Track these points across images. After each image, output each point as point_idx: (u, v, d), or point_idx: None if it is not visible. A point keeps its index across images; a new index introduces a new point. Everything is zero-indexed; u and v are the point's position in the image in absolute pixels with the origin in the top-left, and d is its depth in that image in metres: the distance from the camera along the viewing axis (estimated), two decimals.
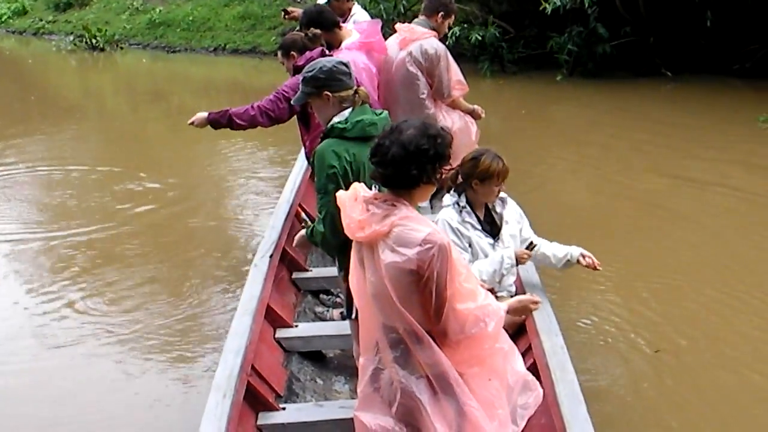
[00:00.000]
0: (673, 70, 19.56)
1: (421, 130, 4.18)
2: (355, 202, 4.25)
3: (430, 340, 4.13)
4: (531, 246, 6.85)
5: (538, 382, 4.73)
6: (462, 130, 8.75)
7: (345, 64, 5.77)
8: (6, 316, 9.12)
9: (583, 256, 6.90)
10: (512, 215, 6.83)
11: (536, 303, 4.85)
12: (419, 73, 8.57)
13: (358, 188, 4.34)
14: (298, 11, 10.41)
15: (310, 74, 5.73)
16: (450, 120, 8.72)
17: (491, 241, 6.60)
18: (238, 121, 8.27)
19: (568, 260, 6.93)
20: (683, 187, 12.32)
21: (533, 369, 6.08)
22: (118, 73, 28.64)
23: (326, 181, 5.55)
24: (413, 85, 8.57)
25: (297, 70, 8.26)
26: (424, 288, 4.05)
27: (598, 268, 6.87)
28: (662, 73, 19.65)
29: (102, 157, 16.53)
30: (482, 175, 6.38)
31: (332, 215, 5.45)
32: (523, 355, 6.38)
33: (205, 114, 8.40)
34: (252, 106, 8.23)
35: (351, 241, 4.80)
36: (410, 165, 4.13)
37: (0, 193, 13.84)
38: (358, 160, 5.55)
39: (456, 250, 4.21)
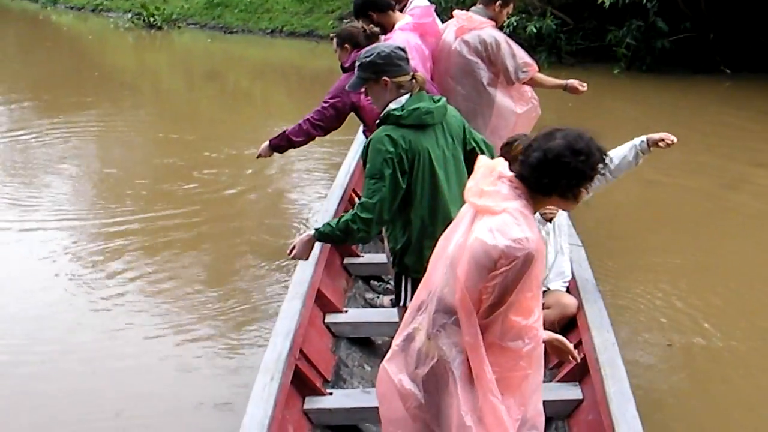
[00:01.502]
0: (732, 68, 19.40)
1: (569, 142, 4.07)
2: (489, 173, 4.20)
3: (477, 324, 4.08)
4: None
5: (543, 424, 4.65)
6: (528, 114, 8.65)
7: (402, 50, 5.69)
8: (56, 296, 9.11)
9: (654, 142, 6.85)
10: None
11: (574, 358, 4.76)
12: (479, 61, 8.48)
13: (501, 165, 4.28)
14: None
15: (367, 59, 5.64)
16: (515, 105, 8.60)
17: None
18: (295, 139, 8.53)
19: (639, 153, 6.89)
20: (739, 186, 12.20)
21: (583, 364, 6.06)
22: (175, 52, 28.79)
23: (382, 166, 5.44)
24: (472, 72, 8.45)
25: (343, 69, 8.30)
26: (491, 280, 3.99)
27: (674, 140, 6.80)
28: (721, 70, 19.49)
29: (155, 136, 16.61)
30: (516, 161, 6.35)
31: (383, 201, 5.42)
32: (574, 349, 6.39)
33: (266, 142, 8.73)
34: (304, 121, 8.42)
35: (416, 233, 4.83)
36: (545, 174, 4.05)
37: (51, 166, 13.99)
38: (413, 147, 5.47)
39: (539, 268, 4.16)
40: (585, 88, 8.54)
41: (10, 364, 7.80)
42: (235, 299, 8.85)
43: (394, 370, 4.49)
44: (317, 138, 8.62)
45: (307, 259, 5.99)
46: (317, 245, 7.38)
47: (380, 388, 4.63)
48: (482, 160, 4.31)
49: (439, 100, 5.65)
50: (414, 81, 5.60)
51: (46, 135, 16.07)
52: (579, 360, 4.84)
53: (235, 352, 7.92)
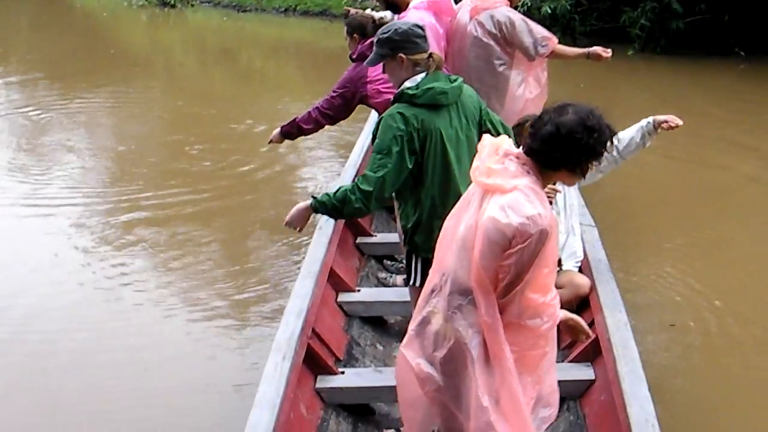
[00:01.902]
0: (746, 50, 19.31)
1: (581, 117, 4.07)
2: (494, 152, 4.18)
3: (495, 303, 4.08)
4: None
5: (558, 401, 4.65)
6: (539, 98, 8.62)
7: (420, 27, 5.64)
8: (72, 276, 9.14)
9: (659, 123, 6.82)
10: None
11: (588, 336, 4.74)
12: (491, 43, 8.45)
13: (507, 142, 4.26)
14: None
15: (385, 36, 5.60)
16: (527, 89, 8.57)
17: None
18: (305, 126, 8.69)
19: (646, 134, 6.87)
20: (753, 168, 12.17)
21: (595, 344, 6.06)
22: (189, 30, 28.76)
23: (391, 143, 5.40)
24: (486, 53, 8.44)
25: (352, 59, 8.33)
26: (506, 259, 3.98)
27: (679, 123, 6.75)
28: (735, 52, 19.40)
29: (167, 113, 16.68)
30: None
31: (386, 177, 5.40)
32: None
33: (277, 129, 8.90)
34: (313, 109, 8.56)
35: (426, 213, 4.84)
36: (556, 148, 4.05)
37: (63, 142, 14.09)
38: (425, 127, 5.44)
39: (554, 244, 4.16)
40: (609, 54, 8.49)
41: (19, 341, 7.88)
42: (247, 278, 8.87)
43: (411, 355, 4.50)
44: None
45: (301, 229, 5.92)
46: (330, 224, 7.42)
47: (399, 373, 4.65)
48: (486, 139, 4.30)
49: (455, 80, 5.61)
50: (431, 60, 5.58)
51: (58, 111, 16.16)
52: (593, 338, 4.84)
53: (247, 331, 7.96)
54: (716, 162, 12.40)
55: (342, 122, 8.95)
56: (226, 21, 28.53)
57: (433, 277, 4.44)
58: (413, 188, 5.57)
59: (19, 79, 19.41)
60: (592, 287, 6.67)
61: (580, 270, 7.01)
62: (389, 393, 6.00)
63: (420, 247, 5.60)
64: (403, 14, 8.40)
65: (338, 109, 8.45)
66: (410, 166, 5.43)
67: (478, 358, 4.17)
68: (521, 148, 4.24)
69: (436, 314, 4.37)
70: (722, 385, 7.09)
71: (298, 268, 7.16)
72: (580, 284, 6.71)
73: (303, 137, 9.26)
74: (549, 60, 8.58)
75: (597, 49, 8.54)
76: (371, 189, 5.40)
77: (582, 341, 4.94)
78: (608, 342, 5.89)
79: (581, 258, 7.04)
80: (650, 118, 6.82)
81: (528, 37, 8.31)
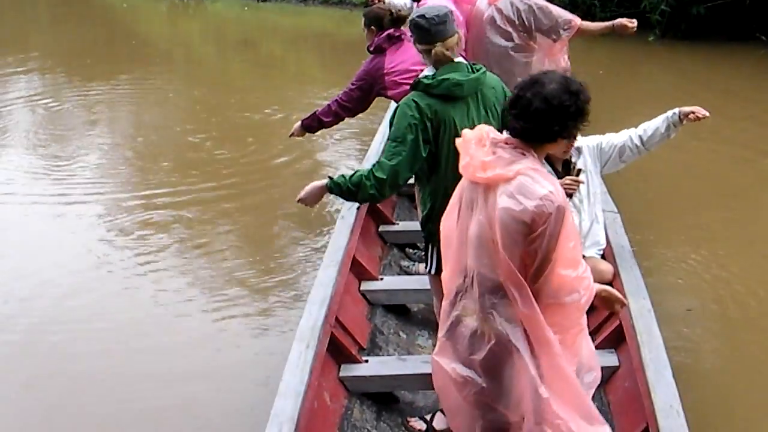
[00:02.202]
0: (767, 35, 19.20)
1: (563, 84, 4.08)
2: (480, 143, 4.15)
3: (530, 293, 4.05)
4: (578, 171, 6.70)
5: (599, 364, 4.64)
6: None
7: (425, 18, 5.52)
8: (93, 266, 9.17)
9: (685, 114, 6.75)
10: (587, 164, 6.77)
11: (623, 305, 4.73)
12: (510, 29, 8.45)
13: (486, 129, 4.23)
14: None
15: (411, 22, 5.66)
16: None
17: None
18: (325, 120, 8.74)
19: (671, 125, 6.82)
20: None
21: (619, 331, 6.06)
22: (208, 21, 28.76)
23: (405, 131, 5.43)
24: (503, 40, 8.46)
25: (369, 51, 8.34)
26: (531, 243, 3.97)
27: (706, 115, 6.68)
28: (756, 37, 19.27)
29: (187, 104, 16.66)
30: None
31: (400, 165, 5.44)
32: (609, 316, 6.39)
33: (299, 123, 8.97)
34: (333, 102, 8.60)
35: (440, 201, 4.82)
36: (552, 121, 4.05)
37: (83, 134, 14.17)
38: (439, 117, 5.45)
39: (571, 216, 4.13)
40: (635, 24, 8.55)
41: (42, 332, 7.92)
42: (270, 267, 8.90)
43: (446, 362, 4.47)
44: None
45: (313, 205, 6.02)
46: (352, 213, 7.44)
47: (437, 383, 4.62)
48: (465, 134, 4.27)
49: (478, 70, 5.57)
50: (432, 52, 5.55)
51: (78, 103, 16.20)
52: (627, 305, 4.83)
53: (270, 320, 7.98)
54: (736, 149, 12.34)
55: (362, 117, 8.99)
56: (246, 11, 28.51)
57: (452, 279, 4.42)
58: (429, 176, 5.59)
59: (39, 71, 19.40)
60: (616, 274, 6.65)
61: (603, 257, 7.00)
62: (413, 381, 6.07)
63: (435, 235, 5.60)
64: (422, 2, 8.40)
65: (357, 101, 8.47)
66: (424, 155, 5.45)
67: (524, 350, 4.15)
68: (505, 132, 4.24)
69: (467, 317, 4.35)
70: (746, 370, 7.09)
71: (321, 257, 7.16)
72: (603, 270, 6.68)
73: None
74: (573, 42, 8.59)
75: (622, 20, 8.62)
76: (385, 177, 5.45)
77: (618, 311, 4.94)
78: (632, 329, 5.89)
79: (604, 246, 7.02)
80: (676, 110, 6.77)
81: (547, 20, 8.34)
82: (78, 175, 12.05)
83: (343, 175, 5.66)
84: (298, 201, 5.95)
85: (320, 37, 24.34)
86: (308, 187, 5.84)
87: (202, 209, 10.59)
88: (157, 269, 9.04)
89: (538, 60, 8.54)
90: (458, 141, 4.27)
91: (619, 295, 4.62)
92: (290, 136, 9.15)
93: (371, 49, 8.33)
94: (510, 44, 8.49)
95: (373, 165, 5.55)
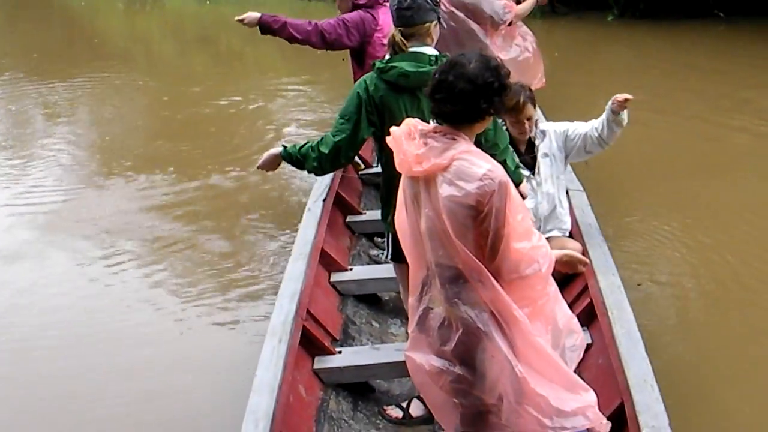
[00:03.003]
0: (725, 12, 19.28)
1: (482, 62, 4.10)
2: (410, 137, 4.16)
3: (489, 276, 4.06)
4: None
5: (579, 325, 4.67)
6: (516, 59, 8.66)
7: (397, 2, 5.48)
8: (63, 266, 9.19)
9: (615, 103, 6.66)
10: (552, 148, 6.79)
11: (585, 264, 4.76)
12: (462, 14, 8.48)
13: (413, 122, 4.24)
14: None
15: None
16: (499, 51, 8.60)
17: (527, 173, 6.63)
18: (292, 30, 8.35)
19: (610, 117, 6.72)
20: (732, 132, 12.16)
21: (590, 309, 6.08)
22: (166, 18, 28.69)
23: (353, 109, 5.52)
24: (459, 25, 8.48)
25: (354, 6, 8.28)
26: (481, 224, 3.98)
27: (627, 98, 6.57)
28: (714, 14, 19.36)
29: (147, 100, 16.63)
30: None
31: (342, 142, 5.54)
32: (580, 294, 6.42)
33: (257, 14, 8.44)
34: (310, 22, 8.33)
35: (390, 186, 4.84)
36: (479, 99, 4.05)
37: (46, 136, 14.14)
38: (384, 103, 5.49)
39: (513, 189, 4.15)
40: None
41: (37, 327, 7.99)
42: (239, 262, 8.88)
43: (419, 356, 4.47)
44: (312, 84, 8.64)
45: (270, 171, 6.19)
46: (319, 205, 7.45)
47: (415, 379, 4.63)
48: (393, 131, 4.25)
49: (430, 66, 5.40)
50: (391, 38, 5.54)
51: (37, 102, 16.32)
52: (589, 264, 4.84)
53: (242, 314, 7.97)
54: (695, 125, 12.42)
55: (327, 100, 8.94)
56: (204, 7, 28.45)
57: (416, 275, 4.42)
58: (381, 163, 5.68)
59: None
60: (584, 252, 6.67)
61: (571, 236, 7.02)
62: (388, 370, 6.08)
63: (387, 220, 5.63)
64: None
65: (337, 35, 8.27)
66: (365, 136, 5.55)
67: (493, 333, 4.16)
68: (432, 120, 4.26)
69: (434, 309, 4.36)
70: (718, 339, 7.15)
71: (290, 250, 7.16)
72: (572, 249, 6.69)
73: (293, 109, 9.13)
74: (532, 25, 8.70)
75: None
76: (327, 152, 5.59)
77: (582, 271, 4.95)
78: (603, 305, 5.94)
79: (568, 229, 7.04)
80: (609, 105, 6.74)
81: (488, 7, 8.37)
82: (37, 175, 12.05)
83: (294, 145, 5.83)
84: (258, 168, 6.14)
85: None
86: (266, 155, 6.05)
87: (167, 203, 10.59)
88: (123, 265, 9.04)
89: (490, 43, 8.59)
90: (388, 139, 4.27)
91: (580, 256, 4.65)
92: (238, 20, 8.56)
93: (361, 2, 8.26)
94: (465, 29, 8.52)
95: (321, 138, 5.67)
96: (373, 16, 8.23)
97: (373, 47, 8.22)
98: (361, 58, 8.41)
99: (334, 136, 5.57)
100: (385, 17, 8.12)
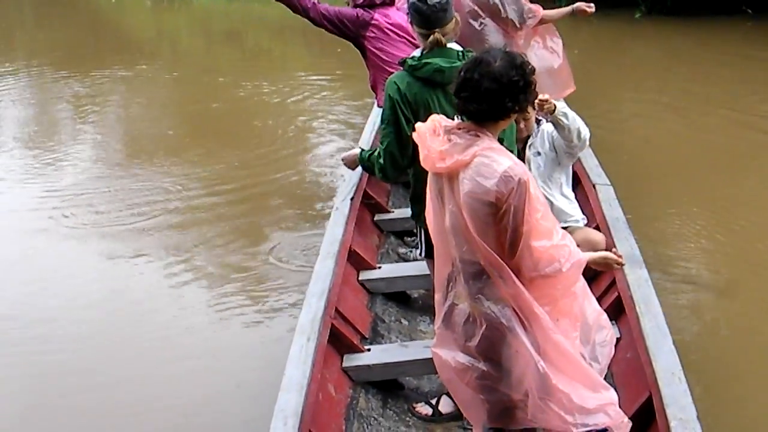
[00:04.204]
0: (753, 8, 19.17)
1: (508, 60, 4.10)
2: (434, 134, 4.18)
3: (510, 272, 4.08)
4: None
5: (608, 320, 4.67)
6: (549, 68, 8.63)
7: (426, 3, 5.51)
8: (92, 261, 9.27)
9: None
10: (544, 147, 6.76)
11: (621, 263, 4.75)
12: (486, 16, 8.44)
13: (438, 119, 4.27)
14: None
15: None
16: (539, 56, 8.57)
17: None
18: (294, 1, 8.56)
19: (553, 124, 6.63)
20: (763, 129, 12.11)
21: (618, 302, 6.08)
22: (194, 14, 28.77)
23: (390, 112, 5.56)
24: (482, 26, 8.44)
25: (356, 6, 8.36)
26: (500, 221, 3.99)
27: (542, 100, 6.49)
28: (743, 10, 19.24)
29: (175, 97, 16.73)
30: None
31: (390, 146, 5.60)
32: (608, 288, 6.41)
33: None
34: (314, 2, 8.51)
35: (421, 183, 4.85)
36: (504, 97, 4.06)
37: (75, 130, 14.33)
38: (418, 100, 5.51)
39: (535, 188, 4.16)
40: (592, 9, 8.56)
41: (53, 320, 8.07)
42: (267, 261, 8.92)
43: (445, 352, 4.49)
44: (340, 84, 8.69)
45: (352, 169, 6.95)
46: (347, 204, 7.49)
47: (443, 375, 4.63)
48: (419, 127, 4.28)
49: (461, 59, 5.48)
50: (431, 38, 5.56)
51: (67, 100, 16.42)
52: (625, 263, 4.84)
53: (272, 313, 8.02)
54: (723, 121, 12.39)
55: (356, 99, 8.91)
56: (231, 4, 28.52)
57: (442, 270, 4.44)
58: (415, 159, 5.62)
59: (24, 67, 19.61)
60: (611, 245, 6.64)
61: (597, 228, 7.01)
62: (417, 366, 6.09)
63: (419, 217, 5.67)
64: None
65: (330, 23, 8.44)
66: (410, 133, 5.46)
67: (516, 329, 4.17)
68: (457, 117, 4.28)
69: (459, 305, 4.37)
70: (743, 333, 7.15)
71: (319, 248, 7.18)
72: (596, 241, 6.61)
73: (311, 108, 9.18)
74: (560, 23, 8.64)
75: (580, 4, 8.63)
76: (383, 160, 5.69)
77: (617, 269, 4.93)
78: (630, 299, 5.93)
79: (579, 224, 6.93)
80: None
81: (510, 8, 8.33)
82: (69, 173, 12.15)
83: (368, 150, 6.08)
84: (341, 159, 7.00)
85: (307, 27, 24.22)
86: (350, 152, 6.88)
87: (198, 202, 10.65)
88: (150, 262, 9.14)
89: (510, 43, 8.54)
90: (414, 135, 4.29)
91: (614, 255, 4.63)
92: None
93: (360, 2, 8.34)
94: (488, 29, 8.48)
95: (377, 149, 5.80)
96: (367, 14, 8.28)
97: (367, 50, 8.36)
98: (362, 52, 8.53)
99: (382, 143, 5.67)
100: (381, 18, 8.30)
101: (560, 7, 9.29)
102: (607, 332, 4.58)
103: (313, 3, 8.46)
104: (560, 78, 8.65)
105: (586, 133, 6.56)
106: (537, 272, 4.12)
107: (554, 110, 6.36)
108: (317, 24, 8.56)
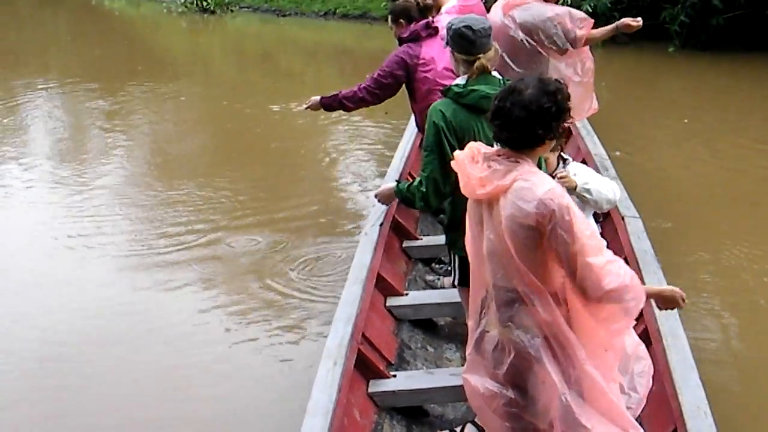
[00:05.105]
0: None
1: (540, 88, 4.10)
2: (473, 161, 4.19)
3: (549, 298, 4.07)
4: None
5: (647, 351, 4.66)
6: (587, 83, 8.63)
7: (472, 29, 5.61)
8: (116, 278, 9.32)
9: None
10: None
11: (684, 300, 4.71)
12: (524, 37, 8.41)
13: (476, 146, 4.27)
14: None
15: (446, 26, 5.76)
16: (573, 73, 8.54)
17: None
18: (347, 103, 8.80)
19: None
20: None
21: (644, 335, 6.07)
22: (228, 36, 28.94)
23: (434, 139, 5.59)
24: (517, 49, 8.42)
25: (400, 41, 8.40)
26: (550, 245, 3.98)
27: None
28: None
29: (207, 116, 16.84)
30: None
31: (434, 173, 5.62)
32: (635, 320, 6.40)
33: (317, 98, 8.98)
34: (359, 88, 8.63)
35: (459, 211, 4.85)
36: (535, 125, 4.07)
37: (107, 148, 14.40)
38: (463, 127, 5.55)
39: (576, 209, 4.16)
40: (639, 23, 8.52)
41: (74, 332, 8.19)
42: (295, 286, 8.90)
43: (475, 379, 4.49)
44: (370, 110, 8.79)
45: (387, 203, 6.90)
46: (375, 230, 7.50)
47: (472, 402, 4.63)
48: (457, 155, 4.29)
49: (502, 86, 5.54)
50: (476, 64, 5.59)
51: (100, 117, 16.55)
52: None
53: (298, 337, 8.01)
54: (757, 161, 12.35)
55: (386, 126, 9.02)
56: (265, 26, 28.68)
57: (475, 297, 4.45)
58: (453, 185, 5.64)
59: (58, 86, 19.74)
60: (639, 278, 6.64)
61: (626, 261, 7.01)
62: (442, 394, 6.10)
63: (455, 244, 5.73)
64: (436, 18, 8.48)
65: (385, 87, 8.55)
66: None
67: (544, 359, 4.16)
68: (495, 144, 4.29)
69: (490, 331, 4.38)
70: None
71: (346, 274, 7.20)
72: None
73: (348, 131, 9.32)
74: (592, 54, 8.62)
75: (625, 20, 8.62)
76: (425, 189, 5.71)
77: (682, 306, 4.89)
78: (657, 332, 5.91)
79: None
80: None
81: (560, 30, 8.31)
82: (95, 183, 12.36)
83: (405, 182, 6.10)
84: (375, 195, 6.81)
85: (340, 51, 24.42)
86: (384, 187, 6.69)
87: (224, 224, 10.69)
88: (176, 283, 9.14)
89: (558, 62, 8.54)
90: (452, 163, 4.31)
91: (679, 291, 4.58)
92: (305, 107, 9.26)
93: (406, 35, 8.42)
94: (527, 52, 8.47)
95: (418, 178, 5.83)
96: (417, 50, 8.31)
97: (419, 82, 8.37)
98: (412, 91, 8.59)
99: (424, 171, 5.69)
100: (428, 50, 8.35)
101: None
102: (645, 363, 4.55)
103: (360, 89, 8.63)
104: (583, 98, 8.62)
105: (614, 197, 6.53)
106: (602, 290, 4.03)
107: (575, 187, 6.34)
108: (381, 99, 8.73)
